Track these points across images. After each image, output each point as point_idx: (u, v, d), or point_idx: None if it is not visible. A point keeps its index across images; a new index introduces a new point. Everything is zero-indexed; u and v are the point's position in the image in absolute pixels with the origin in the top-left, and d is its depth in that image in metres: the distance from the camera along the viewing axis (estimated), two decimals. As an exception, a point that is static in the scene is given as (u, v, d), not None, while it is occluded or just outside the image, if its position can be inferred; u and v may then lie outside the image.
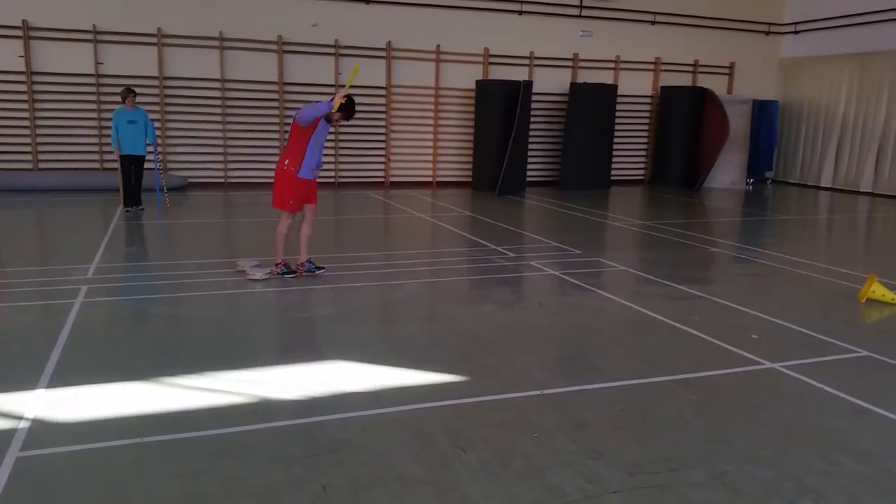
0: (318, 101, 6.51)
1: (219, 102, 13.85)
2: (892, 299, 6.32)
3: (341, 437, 3.51)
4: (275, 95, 14.14)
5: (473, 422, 3.76)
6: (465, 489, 3.06)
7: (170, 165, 13.67)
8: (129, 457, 3.27)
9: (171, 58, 13.48)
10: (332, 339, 5.12)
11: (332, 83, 14.33)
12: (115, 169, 10.99)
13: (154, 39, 13.26)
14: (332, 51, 14.31)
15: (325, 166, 14.41)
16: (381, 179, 15.13)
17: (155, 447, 3.37)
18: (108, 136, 11.48)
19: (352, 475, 3.14)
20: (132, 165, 10.66)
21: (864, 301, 6.39)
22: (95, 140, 13.28)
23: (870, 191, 15.92)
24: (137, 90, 10.91)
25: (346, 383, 4.21)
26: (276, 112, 14.19)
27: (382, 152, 15.09)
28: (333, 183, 14.75)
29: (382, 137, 15.03)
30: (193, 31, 13.48)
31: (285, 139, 14.07)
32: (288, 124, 14.13)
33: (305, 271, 6.83)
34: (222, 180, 14.10)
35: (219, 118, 13.92)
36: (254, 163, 14.19)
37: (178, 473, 3.13)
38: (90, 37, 12.94)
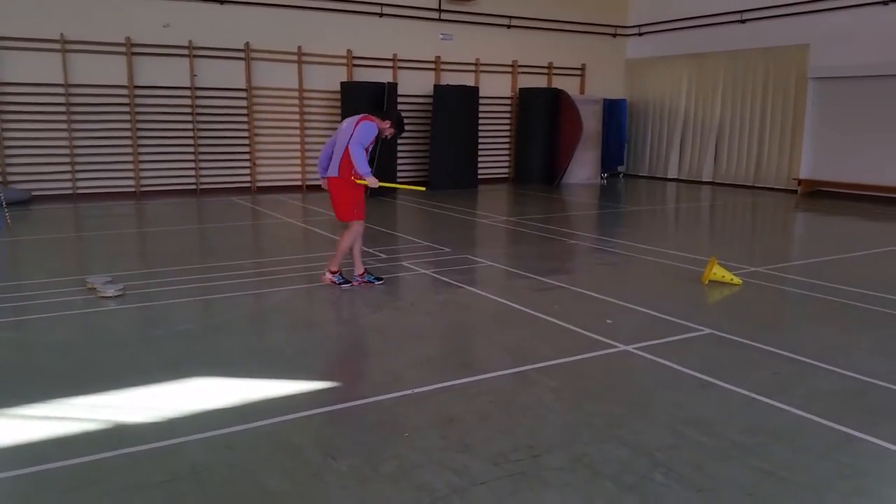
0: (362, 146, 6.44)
1: (63, 109, 12.89)
2: (731, 279, 6.90)
3: (203, 457, 3.37)
4: (125, 100, 13.34)
5: (344, 428, 3.74)
6: (335, 498, 3.03)
7: (10, 178, 12.57)
8: (-39, 501, 2.99)
9: (7, 62, 12.37)
10: (194, 355, 4.91)
11: (188, 85, 13.74)
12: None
13: (-18, 41, 12.16)
14: (185, 52, 13.70)
15: (184, 173, 13.99)
16: (248, 184, 14.67)
17: (-7, 487, 3.10)
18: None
19: (214, 496, 3.03)
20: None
21: (706, 283, 6.94)
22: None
23: (711, 180, 17.32)
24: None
25: (208, 401, 4.05)
26: (127, 117, 13.38)
27: (247, 156, 14.63)
28: (195, 190, 14.13)
29: (246, 141, 14.57)
30: (31, 34, 12.45)
31: (139, 145, 13.50)
32: (141, 129, 13.49)
33: (366, 282, 6.85)
34: (70, 192, 13.13)
35: (64, 125, 12.95)
36: (105, 171, 13.29)
37: (21, 513, 2.90)
38: None
